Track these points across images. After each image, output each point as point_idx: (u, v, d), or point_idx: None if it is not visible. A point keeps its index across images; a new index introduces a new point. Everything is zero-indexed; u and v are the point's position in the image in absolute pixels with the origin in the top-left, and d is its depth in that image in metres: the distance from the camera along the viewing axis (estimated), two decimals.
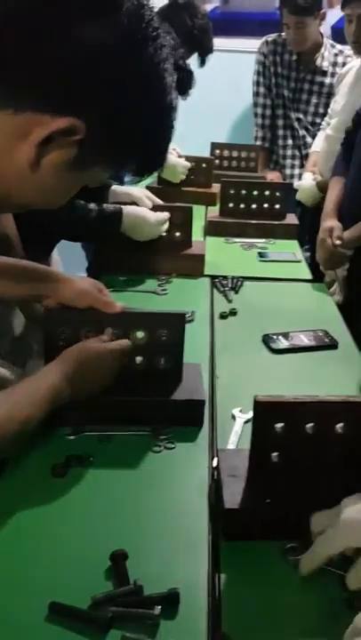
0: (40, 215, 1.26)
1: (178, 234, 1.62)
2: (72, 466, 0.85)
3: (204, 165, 2.30)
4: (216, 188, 2.31)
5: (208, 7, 3.04)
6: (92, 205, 1.55)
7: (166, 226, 1.59)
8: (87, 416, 0.94)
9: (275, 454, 0.76)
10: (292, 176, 2.76)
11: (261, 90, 2.78)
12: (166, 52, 0.60)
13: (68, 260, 2.06)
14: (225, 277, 1.57)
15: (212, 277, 1.59)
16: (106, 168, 0.66)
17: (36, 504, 0.78)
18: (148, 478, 0.85)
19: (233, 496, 0.76)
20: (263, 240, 1.89)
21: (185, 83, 1.53)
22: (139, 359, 1.00)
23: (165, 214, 1.58)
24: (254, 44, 2.79)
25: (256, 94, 2.80)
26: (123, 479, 0.84)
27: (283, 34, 2.63)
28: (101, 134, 0.59)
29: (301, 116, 2.75)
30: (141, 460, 0.88)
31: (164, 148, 0.68)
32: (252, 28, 2.98)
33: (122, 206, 1.56)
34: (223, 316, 1.37)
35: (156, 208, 1.63)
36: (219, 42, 3.03)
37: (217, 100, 2.51)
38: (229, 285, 1.53)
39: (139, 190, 1.72)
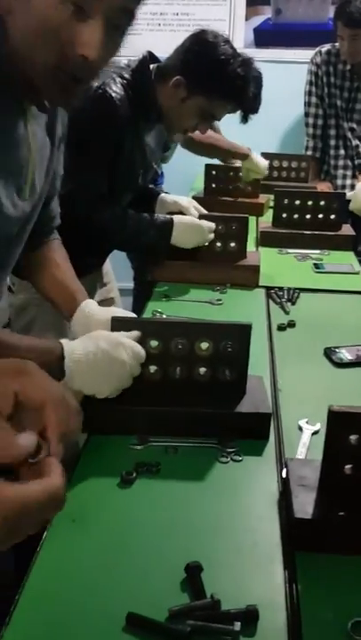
0: (92, 226, 1.28)
1: (233, 244, 1.62)
2: (140, 473, 0.85)
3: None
4: (263, 198, 2.31)
5: (260, 18, 3.05)
6: (145, 215, 1.57)
7: (212, 235, 1.59)
8: (152, 426, 0.94)
9: (348, 466, 0.74)
10: (343, 186, 2.73)
11: (314, 100, 2.76)
12: None
13: (114, 268, 2.08)
14: (280, 288, 1.56)
15: (267, 288, 1.58)
16: None
17: (107, 513, 0.79)
18: (217, 489, 0.84)
19: (303, 506, 0.75)
20: (318, 251, 1.87)
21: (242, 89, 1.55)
22: (202, 370, 0.99)
23: (212, 224, 1.59)
24: (306, 54, 2.78)
25: (308, 104, 2.78)
26: (191, 490, 0.83)
27: (336, 44, 2.61)
28: None
29: (355, 125, 2.71)
30: (209, 471, 0.87)
31: None
32: (305, 38, 2.97)
33: (172, 216, 1.58)
34: (281, 328, 1.36)
35: (211, 217, 1.63)
36: (271, 53, 3.05)
37: (268, 110, 2.50)
38: (286, 297, 1.52)
39: (186, 200, 1.73)
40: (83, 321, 1.08)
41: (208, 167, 2.36)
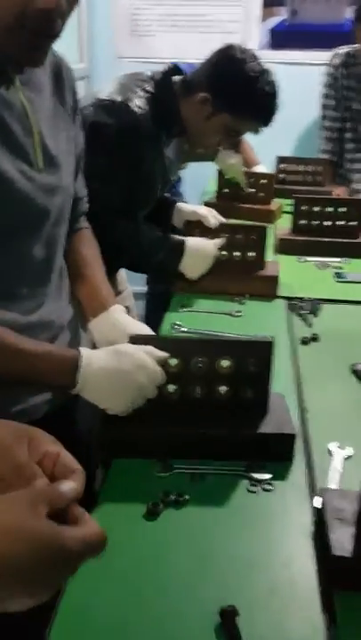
0: (103, 240, 1.25)
1: (251, 254, 1.58)
2: (167, 504, 0.81)
3: (263, 181, 2.26)
4: (275, 204, 2.27)
5: (276, 20, 3.00)
6: (157, 236, 1.52)
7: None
8: (172, 448, 0.91)
9: None
10: (359, 191, 2.68)
11: (330, 102, 2.71)
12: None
13: (137, 276, 2.03)
14: (301, 299, 1.52)
15: (287, 299, 1.54)
16: None
17: (133, 548, 0.75)
18: (248, 521, 0.80)
19: (341, 542, 0.71)
20: (338, 259, 1.82)
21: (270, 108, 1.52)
22: (223, 389, 0.96)
23: (221, 241, 1.54)
24: (322, 56, 2.73)
25: (324, 107, 2.73)
26: (220, 522, 0.80)
27: (355, 45, 2.55)
28: None
29: None
30: (238, 502, 0.83)
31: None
32: (321, 39, 2.91)
33: (186, 239, 1.52)
34: (305, 342, 1.32)
35: (229, 226, 1.59)
36: (286, 54, 3.00)
37: (283, 113, 2.45)
38: (307, 308, 1.48)
39: (205, 209, 1.69)
40: (105, 328, 1.05)
41: (221, 171, 2.31)
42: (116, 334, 1.02)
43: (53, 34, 0.77)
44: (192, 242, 1.52)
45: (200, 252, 1.51)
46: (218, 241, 1.53)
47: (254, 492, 0.85)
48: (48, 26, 0.75)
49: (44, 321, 0.93)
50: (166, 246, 1.51)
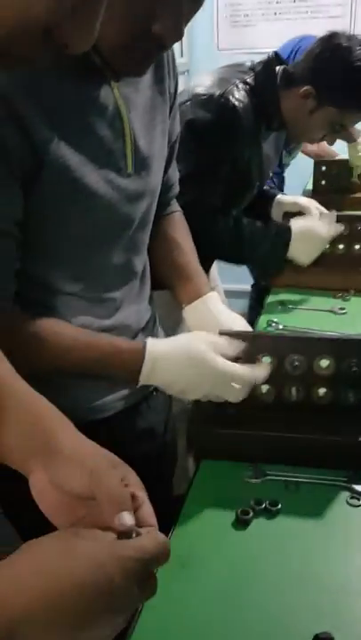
0: (204, 239, 1.21)
1: (358, 246, 1.48)
2: (257, 513, 0.76)
3: None
4: None
5: None
6: (259, 226, 1.45)
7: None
8: (265, 453, 0.85)
9: None
10: None
11: None
12: None
13: (232, 273, 1.98)
14: None
15: None
16: None
17: (219, 559, 0.70)
18: (347, 538, 0.72)
19: None
20: None
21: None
22: (322, 391, 0.89)
23: (336, 229, 1.44)
24: None
25: None
26: (316, 536, 0.73)
27: None
28: None
29: None
30: (337, 515, 0.76)
31: None
32: None
33: (291, 223, 1.45)
34: None
35: (335, 217, 1.49)
36: None
37: None
38: None
39: (306, 199, 1.60)
40: (199, 316, 0.99)
41: (317, 164, 2.20)
42: (209, 325, 0.97)
43: (165, 50, 0.76)
44: (298, 224, 1.44)
45: (309, 233, 1.43)
46: (334, 227, 1.44)
47: (355, 506, 0.77)
48: (162, 50, 0.74)
49: (121, 324, 0.89)
50: (271, 234, 1.43)
